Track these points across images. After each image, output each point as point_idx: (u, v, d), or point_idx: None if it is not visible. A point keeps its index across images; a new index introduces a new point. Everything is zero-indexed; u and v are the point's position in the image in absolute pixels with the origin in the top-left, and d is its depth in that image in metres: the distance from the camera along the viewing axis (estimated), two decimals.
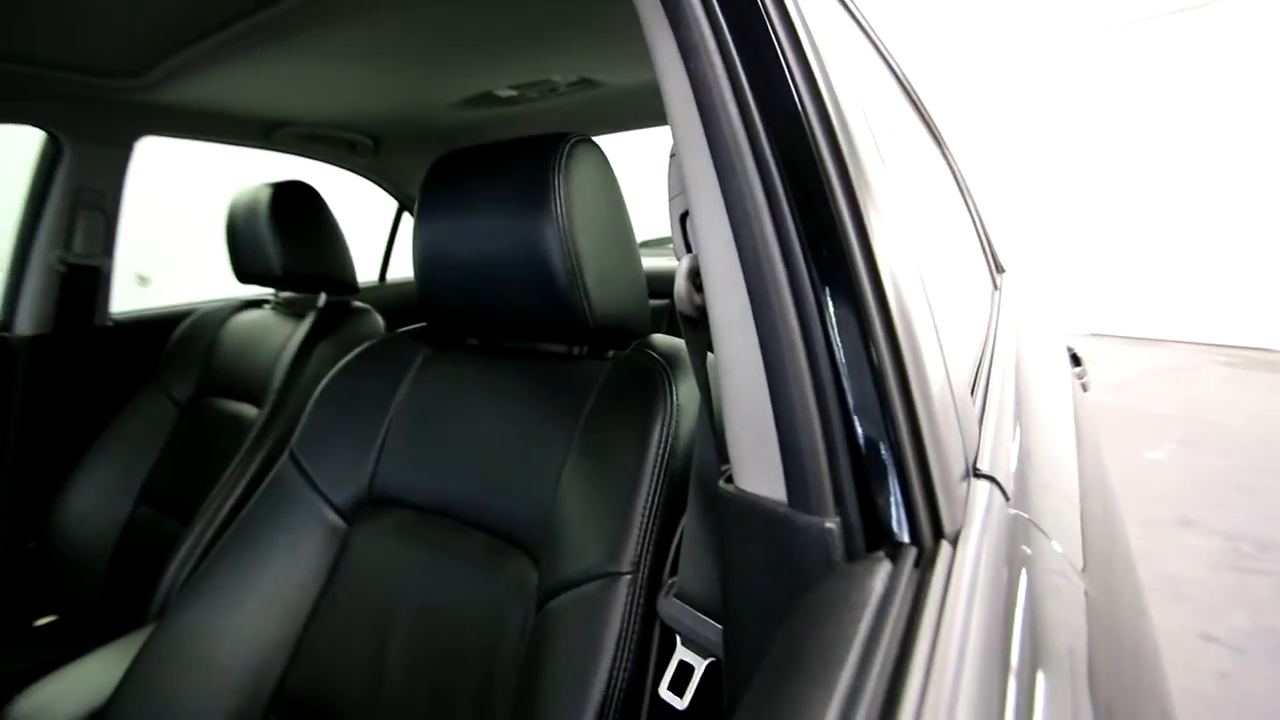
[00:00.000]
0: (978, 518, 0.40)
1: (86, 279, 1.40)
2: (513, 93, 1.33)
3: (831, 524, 0.34)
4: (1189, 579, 2.11)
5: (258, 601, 0.71)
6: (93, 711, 0.76)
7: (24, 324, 1.35)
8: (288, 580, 0.72)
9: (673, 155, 0.42)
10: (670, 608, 0.48)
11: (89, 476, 1.27)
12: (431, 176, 0.73)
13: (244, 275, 1.35)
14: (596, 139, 0.69)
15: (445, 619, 0.64)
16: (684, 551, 0.50)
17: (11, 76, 1.07)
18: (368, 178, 1.91)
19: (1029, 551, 0.44)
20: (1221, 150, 5.31)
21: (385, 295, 2.00)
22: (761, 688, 0.29)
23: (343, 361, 0.83)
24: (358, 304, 1.37)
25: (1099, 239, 5.99)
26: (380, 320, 1.37)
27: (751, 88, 0.37)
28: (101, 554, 1.23)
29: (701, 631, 0.45)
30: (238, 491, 1.12)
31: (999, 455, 0.52)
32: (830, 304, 0.36)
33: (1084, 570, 0.51)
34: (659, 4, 0.38)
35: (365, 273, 1.59)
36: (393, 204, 2.08)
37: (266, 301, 1.45)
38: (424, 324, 0.84)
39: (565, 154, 0.64)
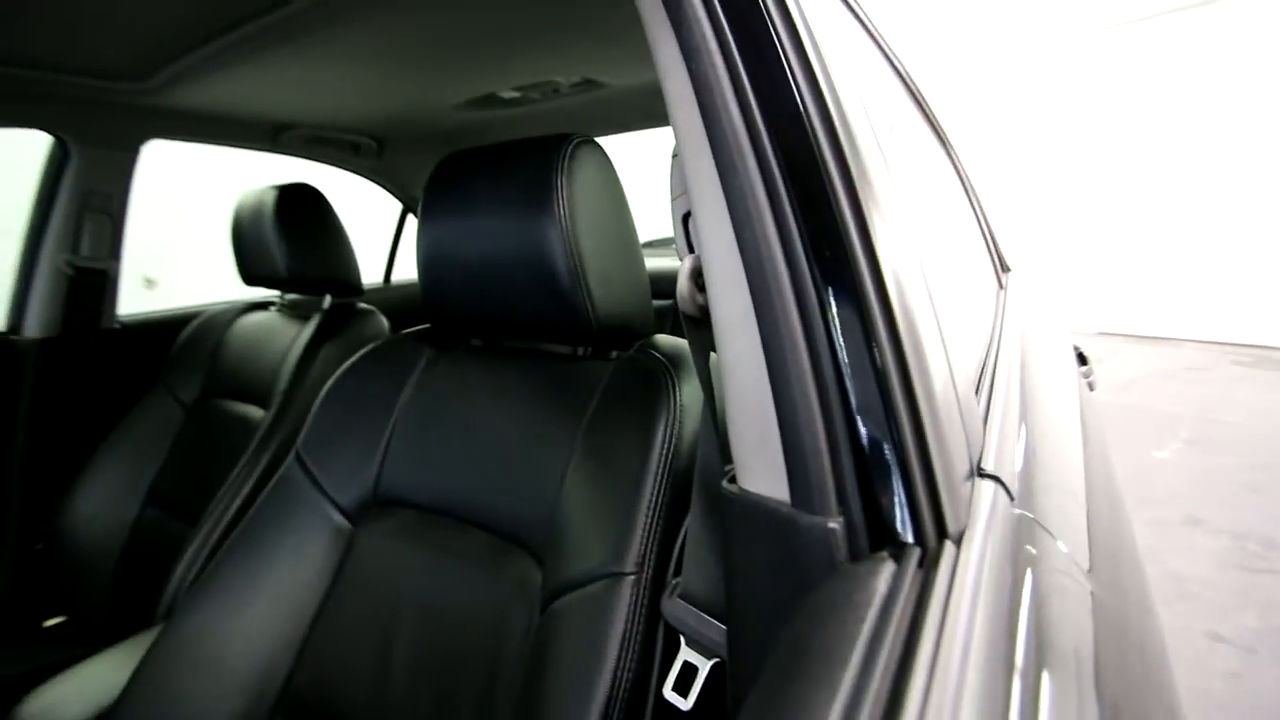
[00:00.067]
0: (982, 517, 0.40)
1: (94, 282, 1.41)
2: (516, 94, 1.33)
3: (835, 524, 0.34)
4: (1196, 578, 2.10)
5: (264, 602, 0.71)
6: (101, 712, 0.76)
7: (32, 327, 1.36)
8: (294, 581, 0.72)
9: (675, 156, 0.43)
10: (674, 608, 0.48)
11: (97, 478, 1.28)
12: (435, 178, 0.73)
13: (250, 278, 1.36)
14: (599, 140, 0.69)
15: (450, 619, 0.64)
16: (688, 552, 0.50)
17: (19, 81, 1.08)
18: (372, 180, 1.92)
19: (1034, 551, 0.43)
20: (1229, 147, 5.27)
21: (390, 297, 2.01)
22: (765, 688, 0.29)
23: (348, 363, 0.83)
24: (363, 306, 1.38)
25: (1106, 237, 5.96)
26: (385, 322, 1.37)
27: (753, 88, 0.37)
28: (109, 555, 1.23)
29: (705, 632, 0.45)
30: (244, 493, 1.13)
31: (1004, 455, 0.52)
32: (833, 303, 0.36)
33: (1090, 570, 0.50)
34: (661, 5, 0.38)
35: (370, 274, 1.59)
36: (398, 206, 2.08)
37: (272, 304, 1.46)
38: (428, 325, 0.84)
39: (568, 155, 0.64)
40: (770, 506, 0.37)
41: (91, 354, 1.44)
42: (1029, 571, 0.41)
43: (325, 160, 1.73)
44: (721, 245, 0.38)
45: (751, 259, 0.36)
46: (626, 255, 0.69)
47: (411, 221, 2.10)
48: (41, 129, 1.27)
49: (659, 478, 0.57)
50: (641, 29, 0.40)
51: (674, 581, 0.51)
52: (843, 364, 0.36)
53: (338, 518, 0.74)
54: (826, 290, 0.36)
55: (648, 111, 1.52)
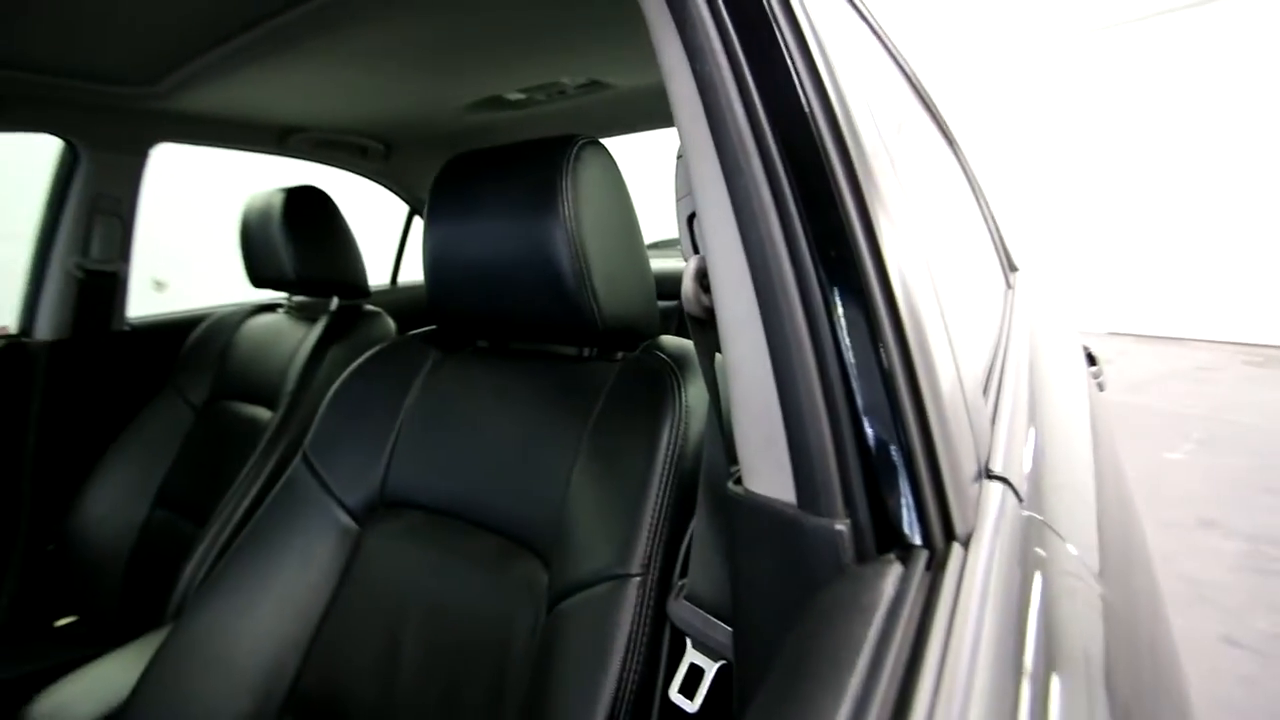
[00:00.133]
0: (990, 519, 0.40)
1: (104, 284, 1.43)
2: (521, 96, 1.33)
3: (841, 526, 0.34)
4: (1209, 581, 2.07)
5: (272, 602, 0.72)
6: (111, 711, 0.77)
7: (43, 329, 1.37)
8: (301, 581, 0.72)
9: (680, 157, 0.42)
10: (680, 610, 0.48)
11: (107, 479, 1.29)
12: (441, 180, 0.73)
13: (258, 280, 1.37)
14: (605, 141, 0.69)
15: (456, 619, 0.64)
16: (693, 553, 0.50)
17: (30, 86, 1.09)
18: (379, 182, 1.93)
19: (1043, 554, 0.43)
20: (1238, 146, 5.23)
21: (397, 298, 2.01)
22: (771, 691, 0.29)
23: (354, 365, 0.83)
24: (369, 307, 1.39)
25: (1116, 237, 5.92)
26: (391, 323, 1.38)
27: (758, 88, 0.37)
28: (119, 556, 1.24)
29: (711, 634, 0.45)
30: (252, 493, 1.14)
31: (1012, 456, 0.51)
32: (838, 304, 0.36)
33: (1100, 573, 0.50)
34: (665, 6, 0.38)
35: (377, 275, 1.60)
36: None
37: (280, 305, 1.47)
38: (434, 327, 0.85)
39: (573, 156, 0.64)
40: (776, 508, 0.36)
41: (102, 356, 1.45)
42: (1038, 574, 0.41)
43: (333, 163, 1.74)
44: (726, 246, 0.38)
45: (756, 259, 0.36)
46: (632, 256, 0.69)
47: (418, 223, 2.11)
48: (52, 133, 1.28)
49: (664, 479, 0.57)
50: (647, 30, 0.40)
51: (680, 583, 0.51)
52: (848, 364, 0.36)
53: (345, 519, 0.75)
54: (832, 290, 0.36)
55: (653, 112, 1.52)
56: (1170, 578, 2.04)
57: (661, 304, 0.79)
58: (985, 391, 0.60)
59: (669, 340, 0.71)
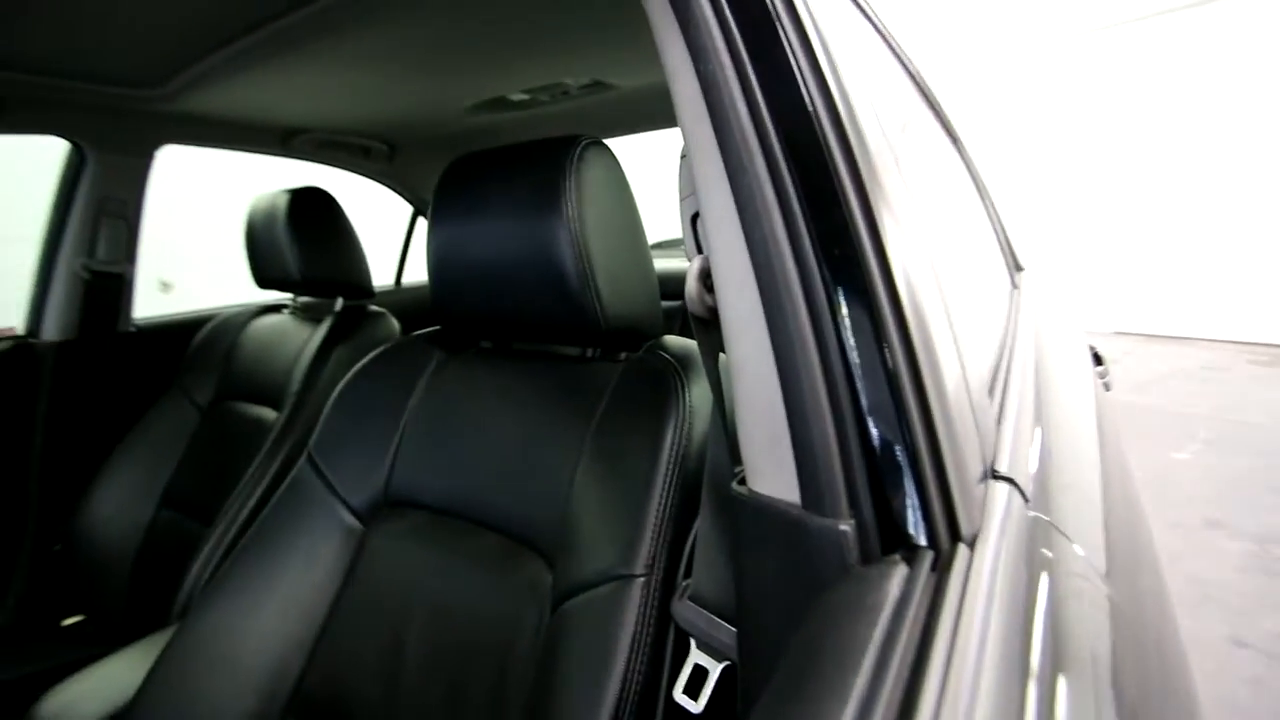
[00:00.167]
0: (996, 520, 0.40)
1: (110, 285, 1.43)
2: (525, 96, 1.33)
3: (846, 526, 0.34)
4: (1217, 582, 2.06)
5: (277, 602, 0.72)
6: (117, 710, 0.77)
7: (50, 330, 1.38)
8: (306, 581, 0.72)
9: (683, 156, 0.42)
10: (684, 610, 0.48)
11: (113, 479, 1.29)
12: (445, 181, 0.74)
13: (263, 281, 1.37)
14: (608, 141, 0.69)
15: (460, 619, 0.64)
16: (698, 554, 0.50)
17: (37, 88, 1.10)
18: (383, 183, 1.93)
19: (1050, 555, 0.43)
20: (1244, 146, 5.20)
21: (401, 299, 2.02)
22: (776, 692, 0.29)
23: (359, 365, 0.83)
24: (374, 308, 1.39)
25: (1122, 236, 5.89)
26: (396, 324, 1.38)
27: (761, 88, 0.37)
28: (126, 555, 1.25)
29: (716, 634, 0.45)
30: (258, 493, 1.14)
31: (1018, 456, 0.51)
32: (843, 304, 0.36)
33: (1107, 574, 0.50)
34: (668, 6, 0.38)
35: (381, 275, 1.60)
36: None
37: (285, 306, 1.47)
38: (438, 327, 0.85)
39: (577, 157, 0.64)
40: (780, 508, 0.36)
41: (108, 357, 1.46)
42: (1044, 575, 0.41)
43: (337, 164, 1.75)
44: (730, 246, 0.37)
45: (760, 259, 0.36)
46: (635, 256, 0.69)
47: (422, 224, 2.11)
48: (59, 135, 1.29)
49: (668, 479, 0.57)
50: (649, 30, 0.40)
51: (684, 583, 0.51)
52: (853, 364, 0.36)
53: (349, 518, 0.75)
54: (836, 290, 0.36)
55: (656, 113, 1.52)
56: (1177, 578, 2.03)
57: (665, 304, 0.79)
58: (991, 391, 0.60)
59: (672, 340, 0.71)
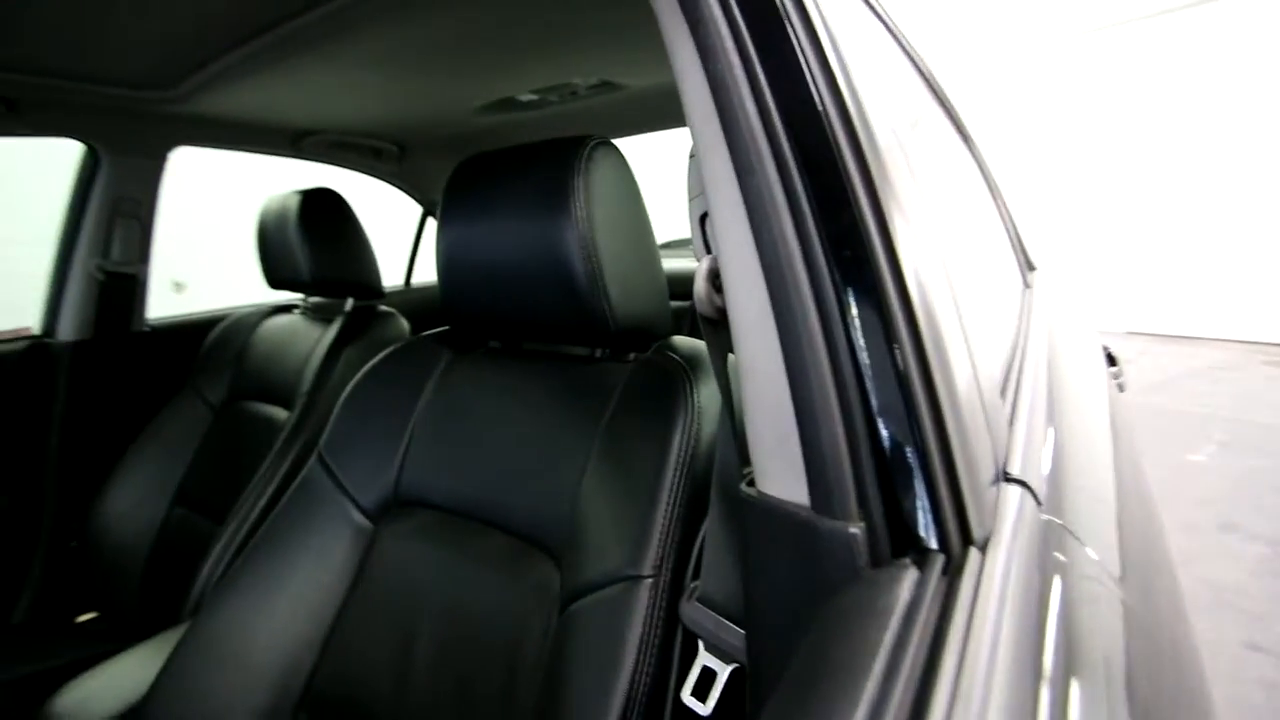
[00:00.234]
0: (1008, 523, 0.39)
1: (124, 286, 1.45)
2: (534, 97, 1.34)
3: (856, 529, 0.34)
4: (1232, 586, 2.04)
5: (288, 600, 0.72)
6: (131, 706, 0.78)
7: (66, 330, 1.40)
8: (316, 580, 0.73)
9: (692, 156, 0.42)
10: (693, 612, 0.48)
11: (128, 478, 1.31)
12: (454, 181, 0.74)
13: (274, 281, 1.38)
14: (616, 141, 0.69)
15: (469, 619, 0.64)
16: (706, 555, 0.49)
17: (53, 91, 1.11)
18: (393, 184, 1.94)
19: (1063, 559, 0.42)
20: (1259, 143, 5.12)
21: (410, 299, 2.03)
22: (785, 696, 0.28)
23: (369, 365, 0.84)
24: (383, 308, 1.40)
25: (1134, 236, 5.83)
26: (405, 324, 1.39)
27: (770, 88, 0.37)
28: (139, 553, 1.26)
29: (724, 636, 0.45)
30: (269, 492, 1.15)
31: (1030, 458, 0.50)
32: (853, 304, 0.36)
33: (1121, 578, 0.49)
34: (677, 6, 0.38)
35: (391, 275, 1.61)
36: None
37: (296, 306, 1.48)
38: (447, 327, 0.85)
39: (585, 157, 0.64)
40: (789, 510, 0.36)
41: (122, 356, 1.48)
42: (1057, 579, 0.40)
43: (347, 165, 1.76)
44: (739, 246, 0.37)
45: (769, 259, 0.36)
46: (644, 257, 0.69)
47: (431, 224, 2.12)
48: (74, 137, 1.31)
49: (677, 480, 0.57)
50: (657, 30, 0.40)
51: (692, 585, 0.51)
52: (863, 365, 0.35)
53: (359, 517, 0.75)
54: (846, 291, 0.36)
55: (665, 112, 1.52)
56: (1191, 582, 2.00)
57: (673, 304, 0.79)
58: (1003, 393, 0.59)
59: (681, 341, 0.71)
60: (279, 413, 1.27)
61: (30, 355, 1.36)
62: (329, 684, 0.70)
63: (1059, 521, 0.46)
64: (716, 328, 0.44)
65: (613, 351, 0.74)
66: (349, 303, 1.36)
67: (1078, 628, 0.38)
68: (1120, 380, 1.39)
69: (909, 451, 0.35)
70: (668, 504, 0.56)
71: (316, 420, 1.20)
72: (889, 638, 0.28)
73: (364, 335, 1.30)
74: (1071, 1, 5.57)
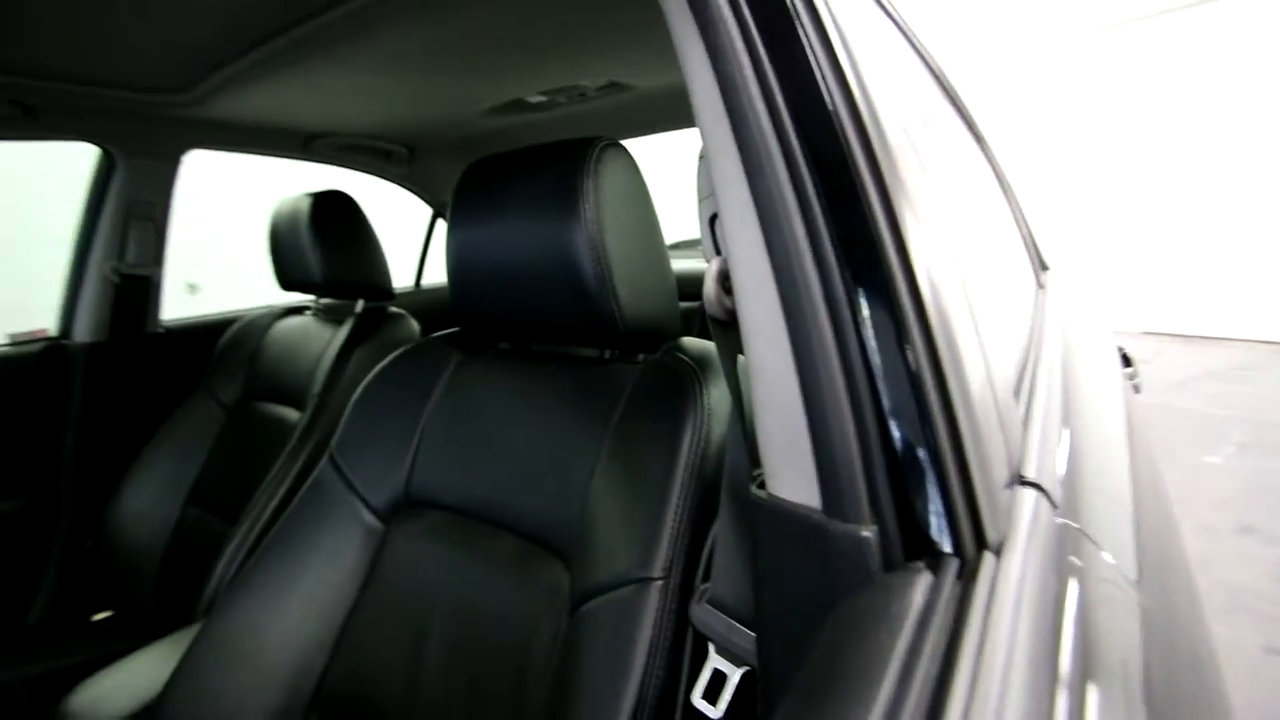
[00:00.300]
0: (1023, 527, 0.39)
1: (139, 288, 1.46)
2: (543, 98, 1.34)
3: (868, 532, 0.33)
4: (1251, 589, 2.01)
5: (299, 600, 0.73)
6: (146, 704, 0.78)
7: (81, 332, 1.42)
8: (328, 580, 0.73)
9: (702, 157, 0.42)
10: (703, 614, 0.48)
11: (142, 478, 1.32)
12: (463, 183, 0.74)
13: (286, 283, 1.39)
14: (625, 142, 0.69)
15: (479, 620, 0.64)
16: (716, 557, 0.49)
17: (69, 95, 1.13)
18: (403, 186, 1.95)
19: (1079, 563, 0.42)
20: (1273, 142, 5.05)
21: (420, 300, 2.04)
22: (798, 701, 0.28)
23: (379, 366, 0.84)
24: (394, 309, 1.40)
25: (1148, 234, 5.76)
26: (415, 325, 1.39)
27: (780, 88, 0.36)
28: (154, 552, 1.27)
29: (735, 639, 0.45)
30: (281, 492, 1.15)
31: (1045, 461, 0.50)
32: (864, 305, 0.35)
33: (1138, 581, 0.48)
34: (686, 6, 0.38)
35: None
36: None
37: (307, 308, 1.49)
38: (457, 329, 0.85)
39: (594, 159, 0.64)
40: (800, 513, 0.36)
41: (137, 358, 1.49)
42: (1074, 583, 0.40)
43: (358, 167, 1.77)
44: (749, 247, 0.37)
45: (780, 260, 0.36)
46: (653, 258, 0.69)
47: (441, 226, 2.13)
48: (89, 141, 1.32)
49: (686, 482, 0.56)
50: (666, 30, 0.40)
51: (702, 587, 0.51)
52: (874, 366, 0.35)
53: (370, 518, 0.75)
54: (858, 291, 0.35)
55: (673, 113, 1.52)
56: (1209, 585, 1.97)
57: (682, 305, 0.78)
58: (1017, 394, 0.59)
59: (690, 342, 0.70)
60: (291, 413, 1.28)
61: (46, 357, 1.38)
62: (340, 684, 0.70)
63: (1075, 525, 0.45)
64: (726, 329, 0.44)
65: (622, 353, 0.74)
66: (359, 304, 1.37)
67: (1095, 632, 0.38)
68: (1136, 381, 1.37)
69: (922, 454, 0.34)
70: (678, 506, 0.56)
71: (328, 421, 1.21)
72: (903, 643, 0.28)
73: (375, 336, 1.31)
74: (1081, 1, 5.52)
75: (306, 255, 1.29)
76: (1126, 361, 1.36)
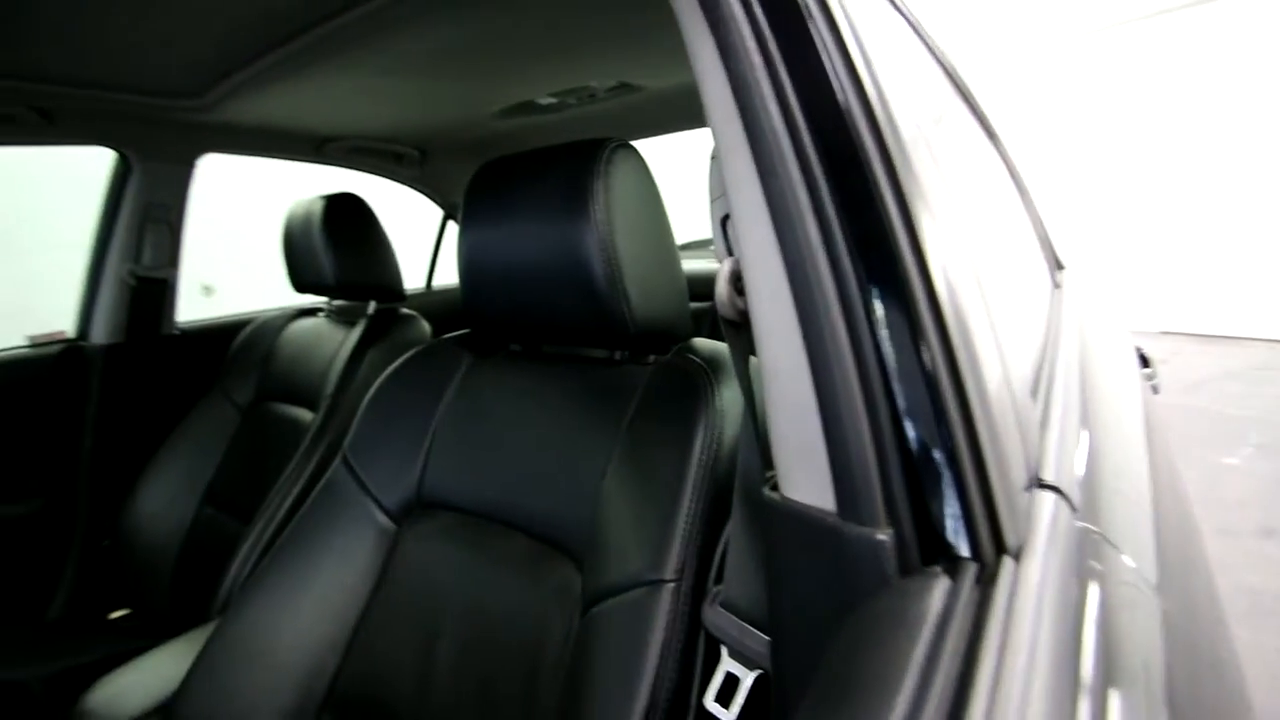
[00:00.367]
0: (1043, 531, 0.38)
1: (155, 290, 1.48)
2: (553, 100, 1.34)
3: (884, 536, 0.33)
4: (1271, 592, 1.97)
5: (312, 601, 0.73)
6: (161, 702, 0.79)
7: (99, 333, 1.43)
8: (340, 580, 0.74)
9: (713, 158, 0.42)
10: (715, 617, 0.47)
11: (158, 478, 1.33)
12: (474, 185, 0.74)
13: (300, 285, 1.40)
14: (635, 143, 0.69)
15: (491, 621, 0.65)
16: (729, 560, 0.49)
17: (87, 101, 1.14)
18: (414, 188, 1.96)
19: (1099, 567, 0.41)
20: None
21: (431, 301, 2.05)
22: (814, 708, 0.28)
23: (391, 368, 0.85)
24: (405, 311, 1.41)
25: (1165, 233, 5.68)
26: (427, 326, 1.40)
27: (793, 87, 0.36)
28: (170, 551, 1.29)
29: (748, 642, 0.44)
30: (295, 493, 1.16)
31: (1064, 463, 0.49)
32: (879, 304, 0.35)
33: (1159, 585, 0.48)
34: (697, 5, 0.37)
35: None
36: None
37: (320, 310, 1.50)
38: (468, 330, 0.85)
39: (605, 160, 0.64)
40: (814, 516, 0.35)
41: (153, 359, 1.51)
42: (1094, 588, 0.39)
43: (369, 170, 1.78)
44: (762, 248, 0.37)
45: (793, 261, 0.35)
46: (664, 259, 0.69)
47: (452, 228, 2.13)
48: (106, 145, 1.34)
49: (698, 483, 0.56)
50: (676, 30, 0.40)
51: (715, 589, 0.50)
52: (890, 366, 0.35)
53: (382, 518, 0.76)
54: (872, 291, 0.35)
55: (683, 113, 1.51)
56: (1228, 588, 1.94)
57: (692, 306, 0.78)
58: (1034, 395, 0.58)
59: (701, 343, 0.70)
60: (304, 414, 1.29)
61: (65, 358, 1.40)
62: (352, 684, 0.71)
63: (1095, 529, 0.45)
64: (739, 330, 0.44)
65: (633, 354, 0.74)
66: (371, 306, 1.38)
67: (1116, 637, 0.37)
68: (1154, 382, 1.35)
69: (938, 456, 0.34)
70: (689, 507, 0.55)
71: (340, 422, 1.21)
72: (921, 649, 0.28)
73: (386, 338, 1.32)
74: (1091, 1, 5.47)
75: (319, 257, 1.29)
76: (1144, 362, 1.34)
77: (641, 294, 0.65)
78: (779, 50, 0.36)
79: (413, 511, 0.75)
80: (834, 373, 0.34)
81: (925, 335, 0.34)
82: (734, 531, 0.49)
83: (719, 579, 0.52)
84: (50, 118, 1.15)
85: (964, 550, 0.33)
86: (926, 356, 0.34)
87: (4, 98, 1.06)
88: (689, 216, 1.26)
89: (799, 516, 0.36)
